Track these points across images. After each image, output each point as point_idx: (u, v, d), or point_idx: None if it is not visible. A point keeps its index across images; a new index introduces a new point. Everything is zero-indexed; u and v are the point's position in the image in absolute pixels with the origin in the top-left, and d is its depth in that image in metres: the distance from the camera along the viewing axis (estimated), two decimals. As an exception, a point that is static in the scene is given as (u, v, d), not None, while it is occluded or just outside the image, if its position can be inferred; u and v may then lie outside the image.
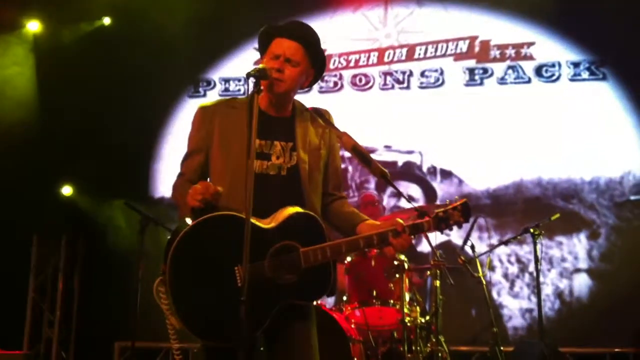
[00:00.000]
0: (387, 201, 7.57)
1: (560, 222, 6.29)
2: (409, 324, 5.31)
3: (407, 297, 5.44)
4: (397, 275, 5.48)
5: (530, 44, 7.76)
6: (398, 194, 7.42)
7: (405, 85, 8.00)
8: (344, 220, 3.03)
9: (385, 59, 8.09)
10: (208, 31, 8.03)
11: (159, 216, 6.25)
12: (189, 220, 2.71)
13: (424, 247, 7.24)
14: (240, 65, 8.11)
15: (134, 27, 8.00)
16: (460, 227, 2.90)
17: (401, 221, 2.81)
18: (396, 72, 8.05)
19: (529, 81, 7.72)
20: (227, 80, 8.39)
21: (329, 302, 6.18)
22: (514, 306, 7.31)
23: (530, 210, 7.26)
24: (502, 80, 7.78)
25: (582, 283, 7.23)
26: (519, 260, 7.38)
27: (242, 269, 2.55)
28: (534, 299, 6.98)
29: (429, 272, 5.82)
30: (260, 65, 2.83)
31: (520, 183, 7.50)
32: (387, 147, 7.82)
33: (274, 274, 2.70)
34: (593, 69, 7.59)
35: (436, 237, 6.03)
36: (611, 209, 7.31)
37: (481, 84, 7.82)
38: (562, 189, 7.41)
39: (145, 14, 7.76)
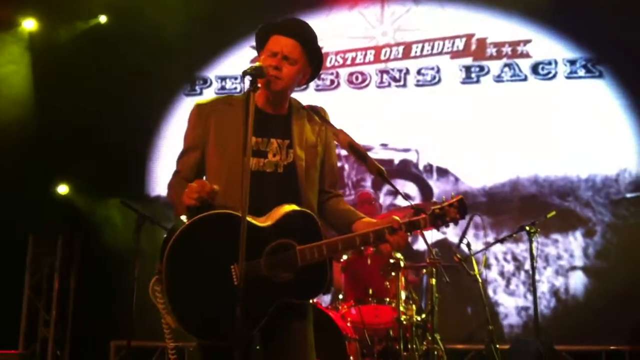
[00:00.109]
0: (384, 199, 7.57)
1: (556, 219, 6.31)
2: (404, 322, 5.31)
3: (403, 295, 5.43)
4: (393, 274, 5.48)
5: (526, 42, 7.77)
6: (394, 192, 7.44)
7: (401, 83, 8.00)
8: (340, 218, 3.03)
9: (382, 57, 8.09)
10: (204, 29, 8.02)
11: (155, 215, 6.25)
12: (184, 218, 2.70)
13: (420, 245, 7.24)
14: (236, 63, 8.11)
15: (130, 26, 7.98)
16: (456, 224, 2.91)
17: (397, 218, 2.81)
18: (393, 70, 8.05)
19: (526, 79, 7.73)
20: (223, 79, 8.38)
21: (325, 300, 6.18)
22: (510, 304, 7.32)
23: (526, 208, 7.27)
24: (498, 78, 7.78)
25: (577, 281, 7.24)
26: (514, 258, 7.39)
27: (238, 267, 2.54)
28: (529, 296, 6.99)
29: (425, 270, 5.82)
30: (257, 64, 2.81)
31: (517, 181, 7.51)
32: (384, 145, 7.82)
33: (270, 273, 2.70)
34: (589, 67, 7.59)
35: (432, 235, 6.03)
36: (607, 206, 7.32)
37: (477, 81, 7.83)
38: (558, 186, 7.42)
39: (141, 12, 7.76)
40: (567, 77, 7.65)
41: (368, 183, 7.80)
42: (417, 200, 7.58)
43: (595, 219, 7.32)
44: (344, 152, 7.44)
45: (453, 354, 6.33)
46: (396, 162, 7.80)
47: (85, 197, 7.83)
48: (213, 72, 8.40)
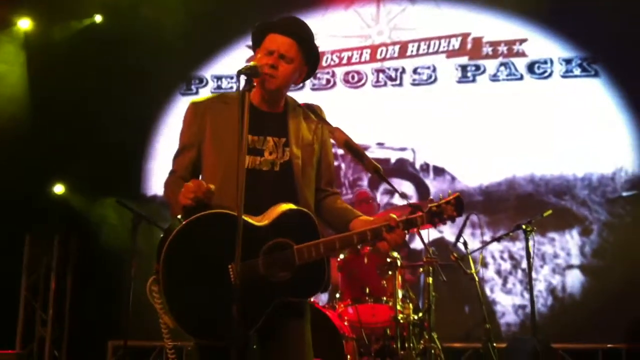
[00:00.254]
0: (380, 198, 7.57)
1: (552, 218, 6.29)
2: (402, 321, 5.30)
3: (400, 294, 5.43)
4: (390, 273, 5.48)
5: (522, 41, 7.77)
6: (391, 191, 7.45)
7: (397, 82, 8.00)
8: (337, 217, 3.02)
9: (378, 56, 8.10)
10: (200, 28, 8.00)
11: (152, 214, 6.25)
12: (181, 218, 2.70)
13: (416, 244, 7.25)
14: (232, 62, 8.10)
15: (125, 25, 7.96)
16: (453, 221, 2.89)
17: (394, 216, 2.80)
18: (389, 69, 8.05)
19: (521, 78, 7.73)
20: (219, 78, 8.37)
21: (322, 299, 6.18)
22: (507, 302, 7.32)
23: (523, 207, 7.27)
24: (494, 77, 7.79)
25: (574, 279, 7.25)
26: (511, 257, 7.40)
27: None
28: (526, 295, 7.01)
29: (421, 269, 5.81)
30: (252, 63, 2.79)
31: (513, 180, 7.51)
32: (380, 145, 7.82)
33: (268, 272, 2.69)
34: (585, 66, 7.60)
35: (429, 234, 6.02)
36: (603, 205, 7.33)
37: (473, 80, 7.83)
38: (555, 185, 7.43)
39: (136, 11, 7.74)
40: (563, 76, 7.66)
41: (365, 182, 7.80)
42: (414, 199, 7.57)
43: (591, 218, 7.33)
44: (340, 152, 7.44)
45: (450, 353, 6.33)
46: (392, 161, 7.80)
47: (81, 197, 7.81)
48: (209, 72, 8.39)
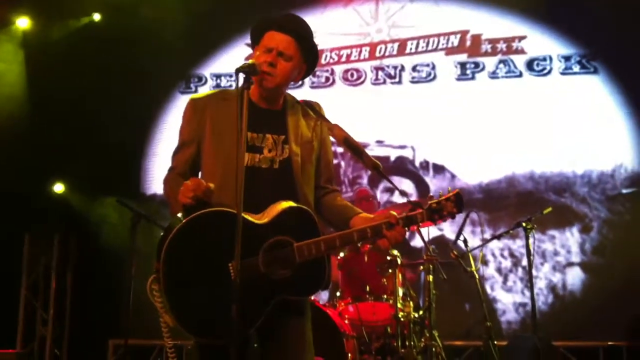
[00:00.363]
0: (380, 196, 7.56)
1: (552, 215, 6.30)
2: (402, 319, 5.31)
3: (400, 292, 5.43)
4: (390, 271, 5.48)
5: (521, 38, 7.77)
6: (391, 189, 7.44)
7: (396, 80, 7.99)
8: (336, 214, 3.01)
9: (377, 54, 8.09)
10: (199, 27, 7.99)
11: (151, 213, 6.24)
12: (180, 216, 2.69)
13: (417, 242, 7.24)
14: (231, 60, 8.09)
15: (124, 24, 7.93)
16: (453, 218, 2.87)
17: (395, 213, 2.79)
18: (388, 66, 8.04)
19: (521, 75, 7.73)
20: (218, 76, 8.36)
21: (322, 298, 6.17)
22: (508, 300, 7.32)
23: (523, 204, 7.27)
24: (493, 75, 7.78)
25: (575, 277, 7.24)
26: (512, 255, 7.39)
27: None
28: (527, 293, 7.00)
29: (422, 267, 5.81)
30: (250, 61, 2.78)
31: (513, 177, 7.51)
32: (379, 142, 7.82)
33: (268, 270, 2.68)
34: (584, 63, 7.60)
35: (429, 232, 6.02)
36: (603, 202, 7.32)
37: (473, 78, 7.82)
38: (554, 182, 7.42)
39: (135, 10, 7.73)
40: (562, 73, 7.66)
41: (364, 180, 7.79)
42: (414, 197, 7.57)
43: (591, 215, 7.33)
44: (340, 149, 7.44)
45: (451, 351, 6.33)
46: (392, 159, 7.80)
47: (80, 196, 7.81)
48: (208, 70, 8.38)
